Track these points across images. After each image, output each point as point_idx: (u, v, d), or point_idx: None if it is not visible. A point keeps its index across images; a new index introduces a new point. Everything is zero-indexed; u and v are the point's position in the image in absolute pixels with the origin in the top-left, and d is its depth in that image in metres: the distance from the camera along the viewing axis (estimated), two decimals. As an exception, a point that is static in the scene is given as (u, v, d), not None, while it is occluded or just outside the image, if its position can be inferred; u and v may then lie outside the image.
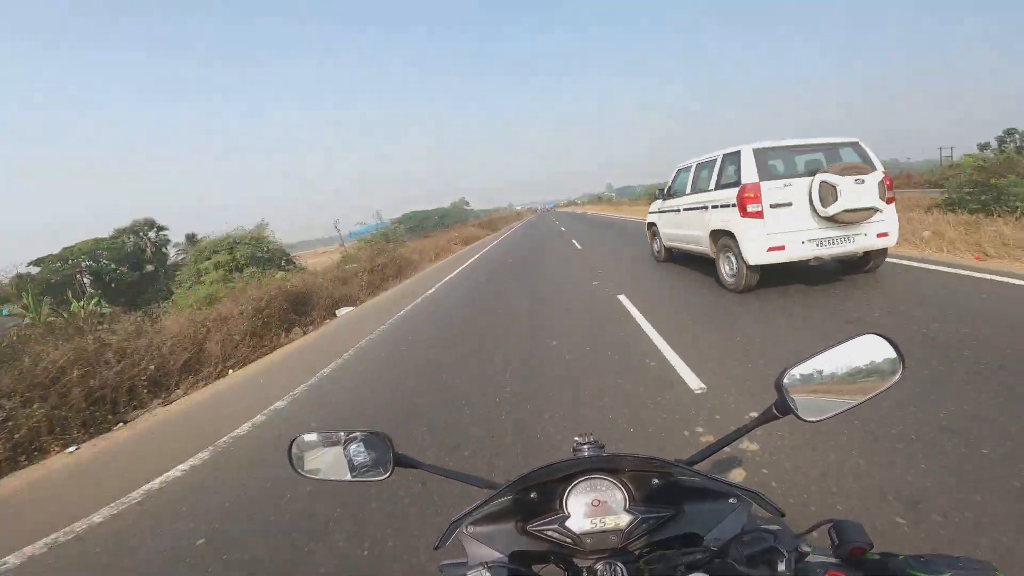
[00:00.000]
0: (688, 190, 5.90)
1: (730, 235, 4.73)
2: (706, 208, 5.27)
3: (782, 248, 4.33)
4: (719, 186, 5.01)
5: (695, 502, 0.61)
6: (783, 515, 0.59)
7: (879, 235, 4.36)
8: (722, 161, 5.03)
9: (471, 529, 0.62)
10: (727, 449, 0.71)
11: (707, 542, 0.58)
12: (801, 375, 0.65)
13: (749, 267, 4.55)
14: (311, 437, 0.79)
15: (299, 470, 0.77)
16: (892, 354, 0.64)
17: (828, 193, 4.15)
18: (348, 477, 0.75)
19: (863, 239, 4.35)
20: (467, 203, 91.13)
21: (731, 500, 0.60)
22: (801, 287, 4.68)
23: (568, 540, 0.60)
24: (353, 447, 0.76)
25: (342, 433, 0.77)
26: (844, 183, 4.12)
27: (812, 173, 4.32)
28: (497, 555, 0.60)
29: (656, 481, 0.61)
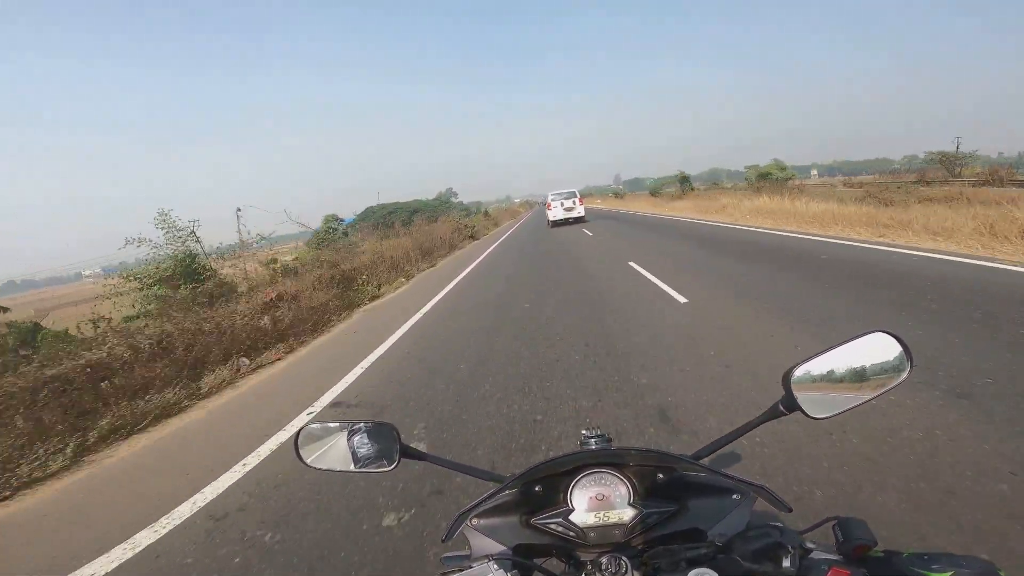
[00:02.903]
0: (545, 201, 22.99)
1: (545, 215, 22.11)
2: (546, 208, 22.38)
3: (557, 217, 21.36)
4: (545, 202, 22.46)
5: (699, 497, 0.63)
6: (790, 510, 0.60)
7: (578, 214, 21.33)
8: (548, 196, 22.26)
9: (475, 522, 0.65)
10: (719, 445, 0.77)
11: (711, 537, 0.58)
12: (807, 372, 0.67)
13: (550, 222, 21.52)
14: (317, 427, 0.79)
15: (305, 460, 0.77)
16: (900, 351, 0.65)
17: (561, 204, 21.33)
18: (353, 468, 0.76)
19: (574, 214, 21.35)
20: (455, 194, 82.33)
21: (735, 496, 0.62)
22: (566, 226, 20.74)
23: (572, 534, 0.61)
24: (357, 438, 0.76)
25: (350, 423, 0.78)
26: (567, 199, 21.39)
27: (558, 197, 21.64)
28: (501, 548, 0.62)
29: (660, 476, 0.63)
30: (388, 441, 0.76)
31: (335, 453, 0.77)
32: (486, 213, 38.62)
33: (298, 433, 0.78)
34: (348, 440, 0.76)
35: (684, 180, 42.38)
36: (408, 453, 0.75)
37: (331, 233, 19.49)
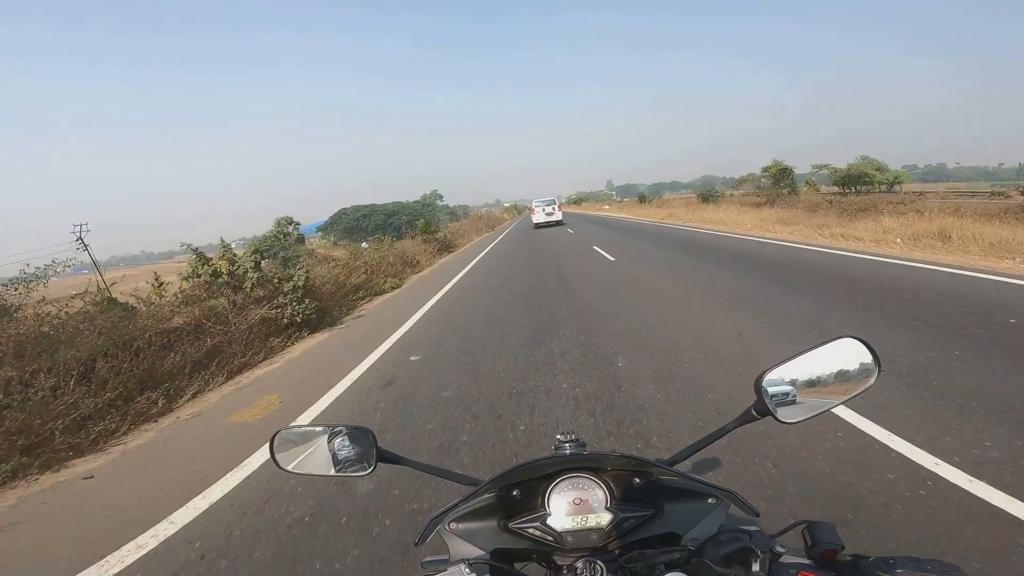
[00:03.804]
0: (531, 207, 27.60)
1: (530, 217, 26.78)
2: (531, 212, 26.87)
3: (539, 220, 25.59)
4: (531, 208, 27.01)
5: (674, 501, 0.64)
6: (758, 515, 0.62)
7: (557, 218, 25.51)
8: (533, 203, 26.93)
9: (453, 526, 0.65)
10: (700, 450, 0.78)
11: (685, 541, 0.60)
12: (779, 378, 0.69)
13: (535, 224, 25.74)
14: (293, 432, 0.80)
15: (281, 465, 0.78)
16: (868, 357, 0.67)
17: (543, 209, 25.75)
18: (332, 472, 0.77)
19: (554, 218, 25.54)
20: (440, 197, 78.78)
21: (710, 500, 0.63)
22: (550, 228, 24.26)
23: (550, 538, 0.62)
24: (337, 441, 0.77)
25: (326, 427, 0.79)
26: (548, 205, 25.77)
27: (541, 203, 25.97)
28: (479, 552, 0.63)
29: (637, 480, 0.64)
30: (365, 445, 0.77)
31: (313, 457, 0.78)
32: (426, 229, 17.81)
33: (273, 438, 0.78)
34: (328, 444, 0.78)
35: (782, 174, 27.20)
36: (384, 457, 0.76)
37: (281, 240, 15.74)
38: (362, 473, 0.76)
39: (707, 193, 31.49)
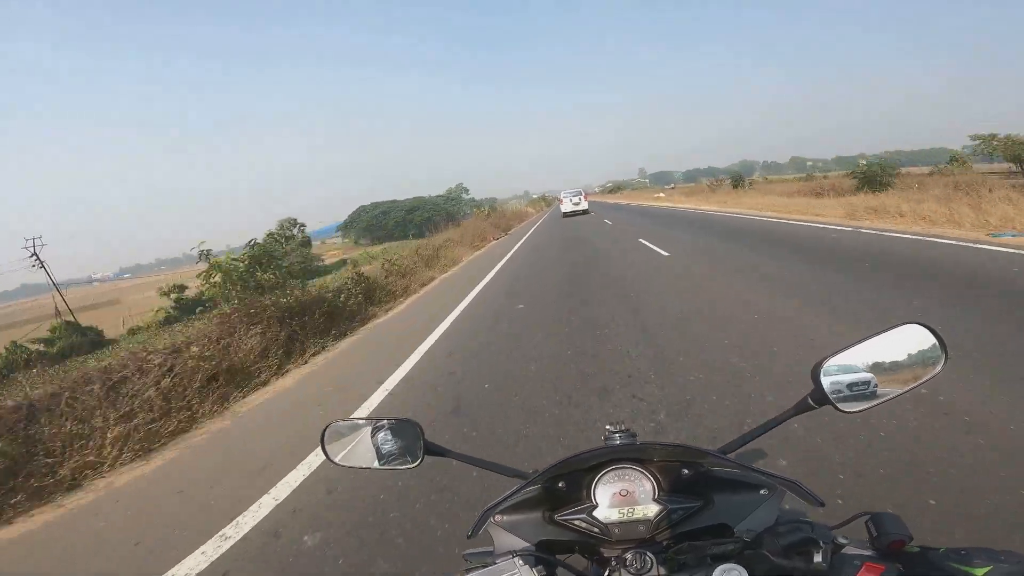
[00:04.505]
0: (559, 198, 30.55)
1: (559, 206, 29.68)
2: (559, 202, 29.59)
3: (567, 209, 27.88)
4: (559, 198, 30.26)
5: (725, 493, 0.63)
6: (822, 504, 0.58)
7: (584, 208, 27.75)
8: (561, 194, 29.56)
9: (498, 518, 0.65)
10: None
11: (739, 533, 0.59)
12: (838, 365, 0.66)
13: (563, 214, 27.94)
14: (342, 424, 0.82)
15: (331, 457, 0.80)
16: (933, 343, 0.65)
17: (570, 200, 28.11)
18: (376, 464, 0.78)
19: (580, 207, 27.65)
20: (466, 190, 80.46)
21: (762, 491, 0.62)
22: (579, 216, 26.21)
23: (596, 530, 0.62)
24: (381, 435, 0.79)
25: (372, 420, 0.81)
26: (575, 196, 28.18)
27: (569, 194, 28.41)
28: (524, 544, 0.63)
29: (686, 471, 0.64)
30: (411, 438, 0.78)
31: (360, 450, 0.80)
32: (244, 279, 6.30)
33: (324, 430, 0.81)
34: (372, 437, 0.79)
35: None
36: (431, 450, 0.77)
37: (280, 244, 13.19)
38: (409, 466, 0.77)
39: (877, 169, 18.91)
